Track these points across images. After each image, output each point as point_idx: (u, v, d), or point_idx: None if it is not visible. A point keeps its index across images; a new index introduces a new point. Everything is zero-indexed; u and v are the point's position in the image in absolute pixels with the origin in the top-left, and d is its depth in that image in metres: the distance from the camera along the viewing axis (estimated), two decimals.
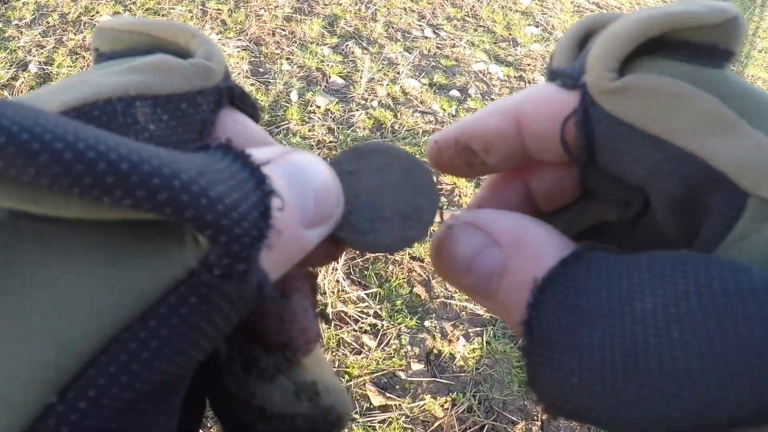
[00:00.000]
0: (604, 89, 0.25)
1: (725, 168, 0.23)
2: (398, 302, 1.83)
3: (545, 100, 0.28)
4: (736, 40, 0.26)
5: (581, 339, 0.21)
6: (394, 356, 1.70)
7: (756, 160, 0.23)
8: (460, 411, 1.61)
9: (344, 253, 0.31)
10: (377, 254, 1.93)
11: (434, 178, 0.28)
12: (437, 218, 0.28)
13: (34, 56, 2.31)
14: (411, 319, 1.79)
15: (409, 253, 1.95)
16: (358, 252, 1.93)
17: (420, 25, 2.97)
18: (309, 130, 2.25)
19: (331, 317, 1.76)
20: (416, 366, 1.69)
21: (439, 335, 1.77)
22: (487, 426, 1.59)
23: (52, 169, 0.16)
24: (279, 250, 0.21)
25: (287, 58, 2.56)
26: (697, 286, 0.20)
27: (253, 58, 2.51)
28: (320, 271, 1.86)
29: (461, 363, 1.72)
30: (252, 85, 2.40)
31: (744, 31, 0.26)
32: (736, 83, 0.25)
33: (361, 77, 2.54)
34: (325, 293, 1.81)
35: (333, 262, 1.91)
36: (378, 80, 2.56)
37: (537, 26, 3.24)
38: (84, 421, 0.18)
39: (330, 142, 2.21)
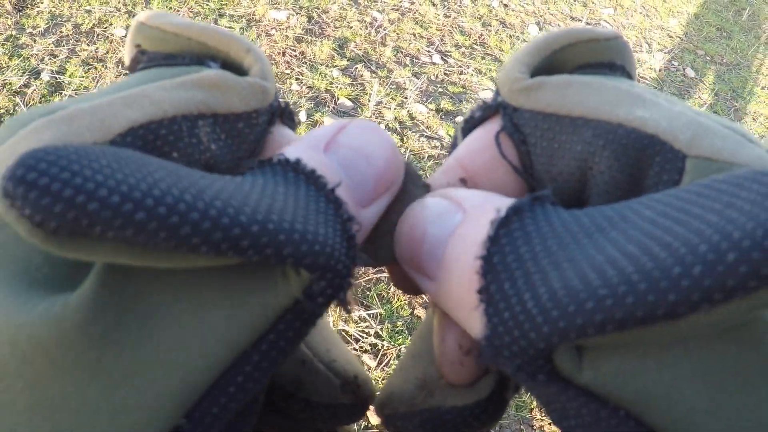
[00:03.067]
0: (520, 88, 0.27)
1: (657, 131, 0.23)
2: (399, 323, 1.83)
3: (476, 138, 0.29)
4: (628, 58, 0.29)
5: (571, 253, 0.19)
6: None
7: (684, 123, 0.23)
8: None
9: None
10: (376, 272, 1.94)
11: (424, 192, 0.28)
12: None
13: (46, 65, 2.34)
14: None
15: None
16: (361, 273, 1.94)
17: (428, 51, 3.00)
18: None
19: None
20: None
21: None
22: None
23: (164, 233, 0.17)
24: None
25: (297, 79, 2.58)
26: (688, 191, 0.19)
27: None
28: None
29: None
30: None
31: (632, 53, 0.29)
32: (641, 85, 0.26)
33: (369, 100, 2.56)
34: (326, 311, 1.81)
35: None
36: (386, 104, 2.58)
37: None
38: None
39: None
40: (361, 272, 1.94)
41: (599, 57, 0.28)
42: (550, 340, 0.18)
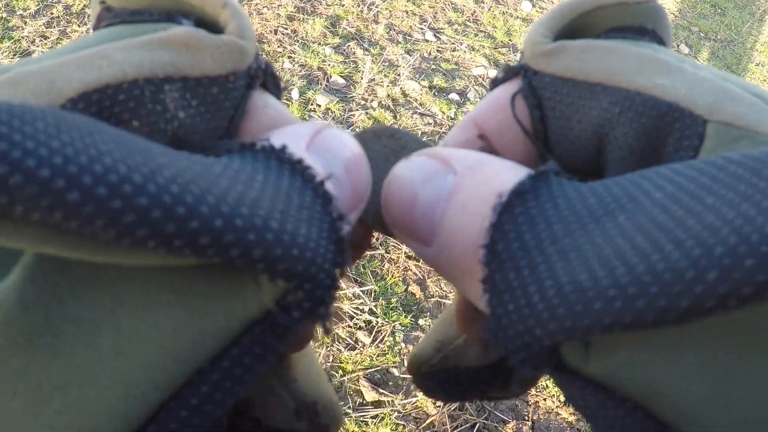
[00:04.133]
0: (541, 52, 0.26)
1: (676, 98, 0.22)
2: (393, 300, 1.84)
3: (494, 98, 0.28)
4: (661, 21, 0.27)
5: (578, 241, 0.18)
6: (388, 353, 1.71)
7: (707, 89, 0.22)
8: (452, 408, 1.63)
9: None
10: (376, 250, 1.95)
11: None
12: None
13: (38, 46, 2.32)
14: (405, 317, 1.80)
15: (405, 252, 1.97)
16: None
17: (421, 29, 2.98)
18: None
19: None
20: None
21: None
22: (478, 424, 1.61)
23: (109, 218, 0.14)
24: None
25: (289, 57, 2.57)
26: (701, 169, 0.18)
27: None
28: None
29: None
30: None
31: (666, 17, 0.27)
32: (669, 50, 0.26)
33: (361, 78, 2.56)
34: None
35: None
36: (378, 81, 2.57)
37: None
38: None
39: None
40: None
41: (628, 21, 0.27)
42: (555, 338, 0.17)
